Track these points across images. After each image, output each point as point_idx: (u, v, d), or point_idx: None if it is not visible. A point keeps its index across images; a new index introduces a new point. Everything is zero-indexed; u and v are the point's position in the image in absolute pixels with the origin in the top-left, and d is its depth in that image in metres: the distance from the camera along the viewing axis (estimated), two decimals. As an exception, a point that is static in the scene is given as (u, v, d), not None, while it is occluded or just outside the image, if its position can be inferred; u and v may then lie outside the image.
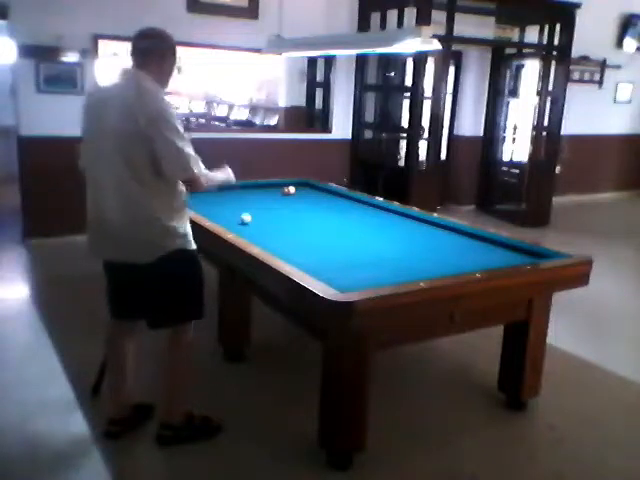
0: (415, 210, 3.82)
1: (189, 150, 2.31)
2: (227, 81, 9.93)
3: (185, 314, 2.52)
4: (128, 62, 2.43)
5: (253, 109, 9.58)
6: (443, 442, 2.74)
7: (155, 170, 2.28)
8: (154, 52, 2.40)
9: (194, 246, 2.48)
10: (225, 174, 2.70)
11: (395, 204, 3.97)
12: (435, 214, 3.77)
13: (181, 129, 2.30)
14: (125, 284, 2.50)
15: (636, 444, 2.84)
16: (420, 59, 6.00)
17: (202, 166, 2.38)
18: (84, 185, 2.45)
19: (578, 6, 6.71)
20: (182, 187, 2.41)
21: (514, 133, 7.62)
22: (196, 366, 2.70)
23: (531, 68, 7.31)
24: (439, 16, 5.84)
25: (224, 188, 2.86)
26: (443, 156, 7.48)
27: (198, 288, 2.54)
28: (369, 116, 6.89)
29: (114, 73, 2.41)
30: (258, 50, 5.12)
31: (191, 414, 2.63)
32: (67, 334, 3.60)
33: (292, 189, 4.28)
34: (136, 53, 2.40)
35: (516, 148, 7.62)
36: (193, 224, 2.58)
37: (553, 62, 6.91)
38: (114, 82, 2.40)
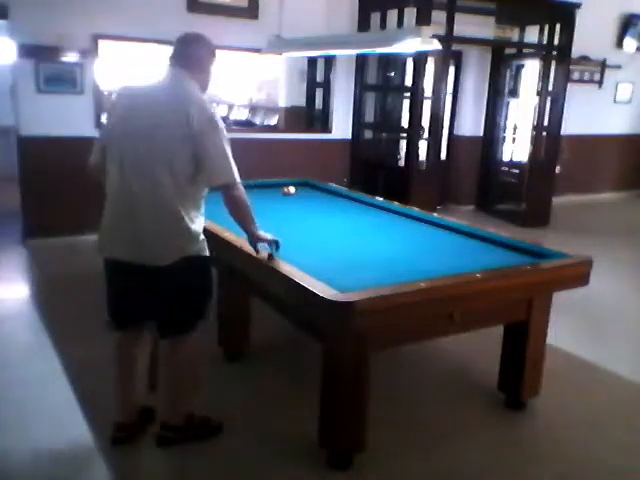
0: (415, 210, 3.82)
1: (231, 157, 2.32)
2: (227, 81, 9.93)
3: (192, 320, 2.50)
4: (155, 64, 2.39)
5: (253, 109, 9.59)
6: (443, 442, 2.74)
7: (191, 173, 2.28)
8: (198, 57, 2.41)
9: (208, 253, 2.48)
10: (265, 234, 2.55)
11: (395, 204, 3.97)
12: (435, 214, 3.78)
13: (226, 134, 2.32)
14: (135, 287, 2.45)
15: (636, 444, 2.84)
16: (420, 59, 6.00)
17: (238, 178, 2.36)
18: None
19: (578, 6, 6.71)
20: (204, 193, 2.42)
21: (514, 133, 7.62)
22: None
23: (531, 68, 7.31)
24: (439, 16, 5.83)
25: None
26: (443, 156, 7.47)
27: (207, 296, 2.54)
28: (369, 116, 6.88)
29: (150, 75, 2.38)
30: (258, 50, 5.13)
31: (191, 415, 2.62)
32: (67, 334, 3.60)
33: (292, 189, 4.28)
34: (179, 57, 2.39)
35: (516, 148, 7.61)
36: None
37: (553, 62, 6.90)
38: (152, 83, 2.39)
